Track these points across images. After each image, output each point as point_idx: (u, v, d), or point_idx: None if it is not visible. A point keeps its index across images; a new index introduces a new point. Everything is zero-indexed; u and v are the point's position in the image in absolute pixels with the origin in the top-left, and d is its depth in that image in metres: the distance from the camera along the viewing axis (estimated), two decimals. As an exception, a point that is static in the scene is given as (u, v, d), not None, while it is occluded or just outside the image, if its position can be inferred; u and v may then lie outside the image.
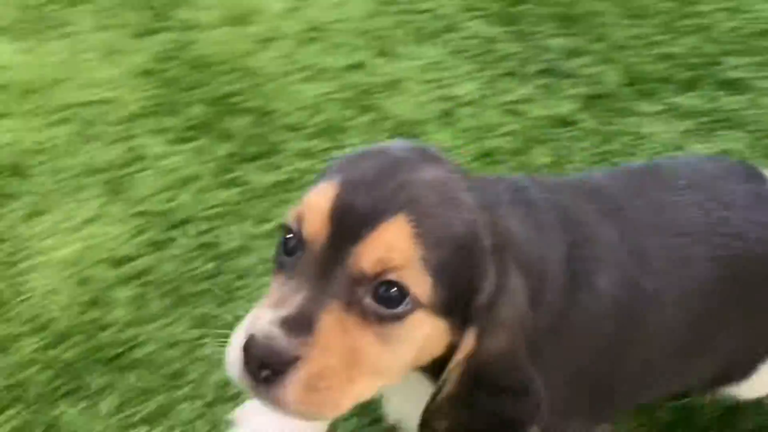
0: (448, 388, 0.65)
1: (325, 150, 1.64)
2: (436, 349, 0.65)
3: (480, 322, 0.63)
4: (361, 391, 0.63)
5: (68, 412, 1.10)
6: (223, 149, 1.66)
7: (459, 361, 0.64)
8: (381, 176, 0.62)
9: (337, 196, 0.61)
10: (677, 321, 0.79)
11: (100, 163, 1.62)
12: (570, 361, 0.74)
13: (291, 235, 0.64)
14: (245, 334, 0.60)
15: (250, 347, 0.59)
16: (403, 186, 0.62)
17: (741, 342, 0.85)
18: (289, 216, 0.65)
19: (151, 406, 1.11)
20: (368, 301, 0.60)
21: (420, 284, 0.60)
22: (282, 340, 0.58)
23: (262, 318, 0.60)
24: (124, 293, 1.30)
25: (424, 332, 0.62)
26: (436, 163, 0.67)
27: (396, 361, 0.63)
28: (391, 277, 0.59)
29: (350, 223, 0.60)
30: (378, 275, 0.60)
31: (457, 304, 0.63)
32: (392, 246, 0.59)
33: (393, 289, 0.60)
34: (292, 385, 0.59)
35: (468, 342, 0.63)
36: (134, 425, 1.08)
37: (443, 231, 0.61)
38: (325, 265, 0.61)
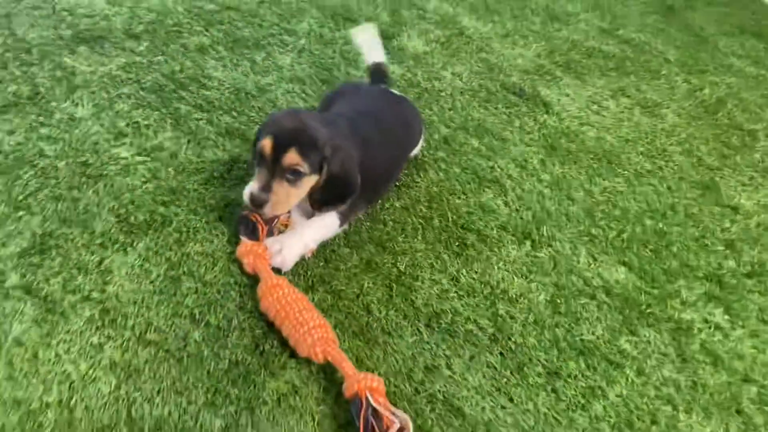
0: (320, 185, 1.64)
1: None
2: (315, 183, 1.64)
3: (326, 166, 1.62)
4: (293, 204, 1.65)
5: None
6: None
7: (321, 177, 1.63)
8: (285, 130, 1.58)
9: (272, 141, 1.56)
10: (385, 155, 1.86)
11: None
12: (365, 179, 1.70)
13: (259, 155, 1.59)
14: (249, 192, 1.59)
15: (251, 198, 1.58)
16: (293, 133, 1.58)
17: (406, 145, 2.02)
18: (258, 147, 1.58)
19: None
20: (289, 175, 1.58)
21: (304, 168, 1.57)
22: (261, 194, 1.57)
23: (253, 187, 1.59)
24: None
25: (309, 181, 1.62)
26: (307, 117, 1.63)
27: (302, 193, 1.63)
28: (293, 167, 1.57)
29: (278, 151, 1.56)
30: (290, 167, 1.57)
31: (320, 167, 1.61)
32: (291, 159, 1.56)
33: (296, 171, 1.58)
34: (268, 206, 1.58)
35: (324, 172, 1.62)
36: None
37: (309, 150, 1.57)
38: (273, 165, 1.57)
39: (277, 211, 1.60)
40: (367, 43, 2.12)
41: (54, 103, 1.95)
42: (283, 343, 1.47)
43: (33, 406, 1.27)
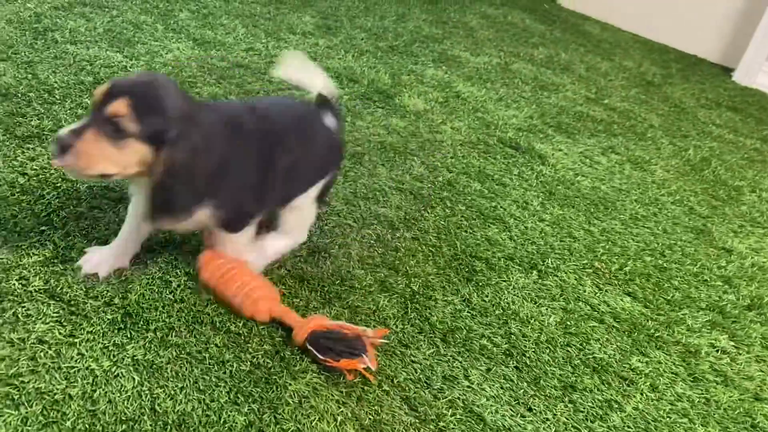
0: (155, 177, 1.34)
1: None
2: (146, 159, 1.33)
3: (169, 147, 1.32)
4: (105, 169, 1.32)
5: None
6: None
7: (160, 162, 1.33)
8: (129, 82, 1.33)
9: (107, 87, 1.31)
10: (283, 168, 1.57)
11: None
12: (241, 185, 1.49)
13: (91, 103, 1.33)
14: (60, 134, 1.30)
15: (57, 138, 1.29)
16: (135, 86, 1.32)
17: (303, 178, 1.69)
18: (95, 93, 1.33)
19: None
20: (109, 128, 1.29)
21: (129, 126, 1.29)
22: (65, 137, 1.28)
23: (66, 129, 1.30)
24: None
25: (135, 148, 1.32)
26: (154, 78, 1.37)
27: (124, 160, 1.32)
28: (116, 119, 1.29)
29: (108, 98, 1.30)
30: (112, 116, 1.29)
31: (156, 139, 1.31)
32: (116, 107, 1.29)
33: (117, 124, 1.29)
34: (70, 155, 1.28)
35: (164, 155, 1.32)
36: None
37: (147, 110, 1.30)
38: (98, 112, 1.30)
39: (80, 164, 1.29)
40: (301, 73, 1.81)
41: (75, 136, 2.01)
42: (303, 350, 1.48)
43: (56, 397, 1.25)
